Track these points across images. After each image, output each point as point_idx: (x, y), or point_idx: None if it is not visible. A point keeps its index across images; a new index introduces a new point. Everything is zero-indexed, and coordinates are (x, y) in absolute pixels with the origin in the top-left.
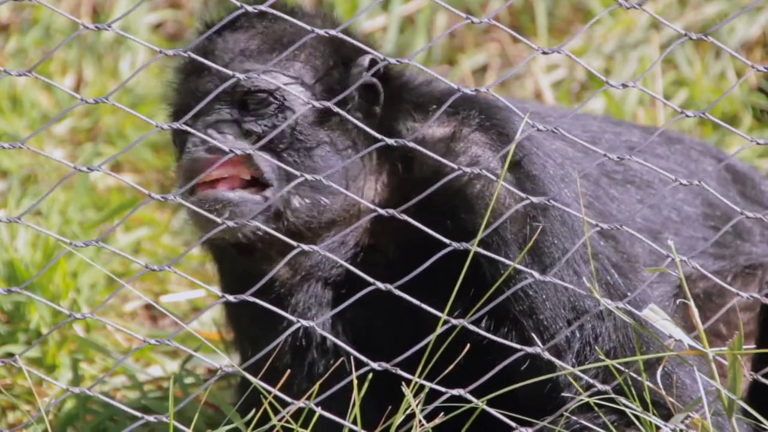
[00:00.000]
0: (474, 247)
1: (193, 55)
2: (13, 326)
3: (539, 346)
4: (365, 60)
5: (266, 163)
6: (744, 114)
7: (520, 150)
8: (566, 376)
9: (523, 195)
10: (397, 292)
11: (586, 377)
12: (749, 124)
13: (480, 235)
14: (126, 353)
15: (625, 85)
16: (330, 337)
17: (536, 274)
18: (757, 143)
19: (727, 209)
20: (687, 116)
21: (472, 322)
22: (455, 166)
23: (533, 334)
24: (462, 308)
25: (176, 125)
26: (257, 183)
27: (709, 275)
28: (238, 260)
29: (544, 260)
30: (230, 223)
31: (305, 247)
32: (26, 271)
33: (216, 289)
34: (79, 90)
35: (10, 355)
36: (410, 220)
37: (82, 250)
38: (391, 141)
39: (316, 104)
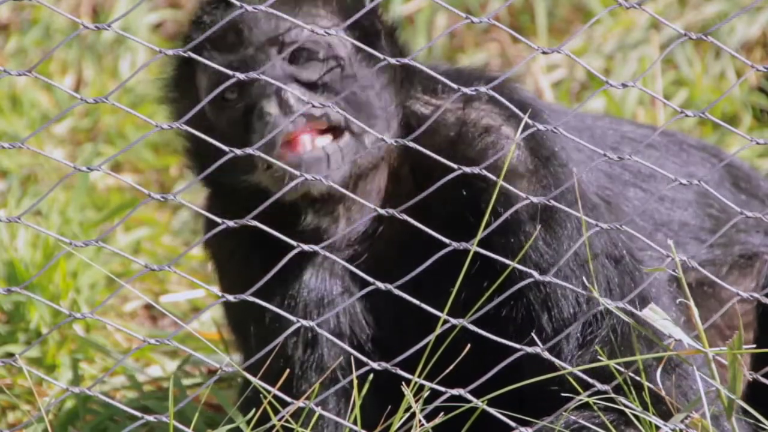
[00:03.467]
0: (474, 247)
1: (193, 55)
2: (13, 326)
3: (539, 346)
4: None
5: (335, 109)
6: (744, 114)
7: (532, 118)
8: (571, 347)
9: (525, 201)
10: (397, 292)
11: (584, 376)
12: (749, 123)
13: (479, 235)
14: (126, 353)
15: (625, 85)
16: (328, 335)
17: (536, 276)
18: (757, 143)
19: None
20: (687, 116)
21: (485, 306)
22: (453, 167)
23: (542, 321)
24: (480, 288)
25: (264, 77)
26: (330, 131)
27: (704, 270)
28: (308, 215)
29: (559, 240)
30: (309, 176)
31: (305, 247)
32: (26, 271)
33: (216, 289)
34: (78, 90)
35: (10, 355)
36: (407, 218)
37: (82, 250)
38: (390, 140)
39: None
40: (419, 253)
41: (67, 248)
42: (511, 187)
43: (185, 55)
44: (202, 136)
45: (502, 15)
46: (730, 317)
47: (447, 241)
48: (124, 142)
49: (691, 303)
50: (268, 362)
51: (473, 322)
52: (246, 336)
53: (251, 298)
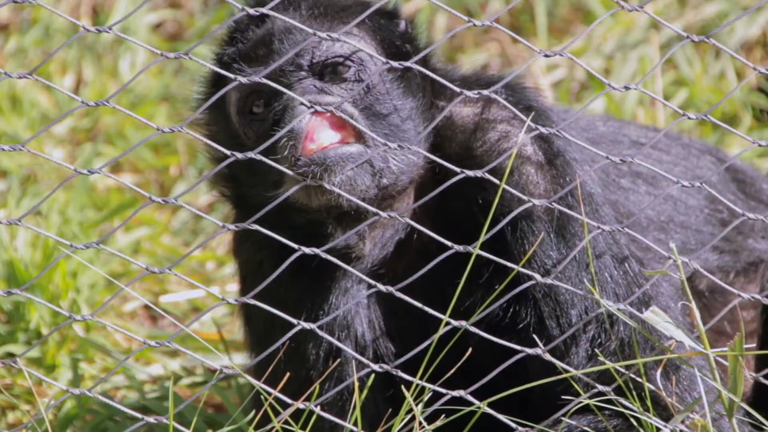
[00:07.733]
0: (476, 251)
1: (194, 58)
2: (13, 326)
3: (540, 348)
4: (401, 15)
5: (365, 124)
6: (744, 114)
7: (548, 126)
8: (580, 358)
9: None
10: (399, 295)
11: (590, 381)
12: (749, 123)
13: (483, 235)
14: (126, 352)
15: (627, 88)
16: (330, 339)
17: (540, 279)
18: (760, 145)
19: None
20: (689, 118)
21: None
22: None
23: (547, 321)
24: (491, 287)
25: (291, 94)
26: (357, 143)
27: (710, 276)
28: (336, 231)
29: (569, 239)
30: (338, 190)
31: (306, 250)
32: (26, 271)
33: (215, 290)
34: (78, 89)
35: (10, 355)
36: (419, 227)
37: (82, 252)
38: (412, 147)
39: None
40: (446, 268)
41: (67, 251)
42: (523, 195)
43: (185, 57)
44: (202, 138)
45: (502, 15)
46: (739, 326)
47: (449, 243)
48: (124, 142)
49: (693, 305)
50: (289, 372)
51: (487, 327)
52: (267, 346)
53: (252, 301)
